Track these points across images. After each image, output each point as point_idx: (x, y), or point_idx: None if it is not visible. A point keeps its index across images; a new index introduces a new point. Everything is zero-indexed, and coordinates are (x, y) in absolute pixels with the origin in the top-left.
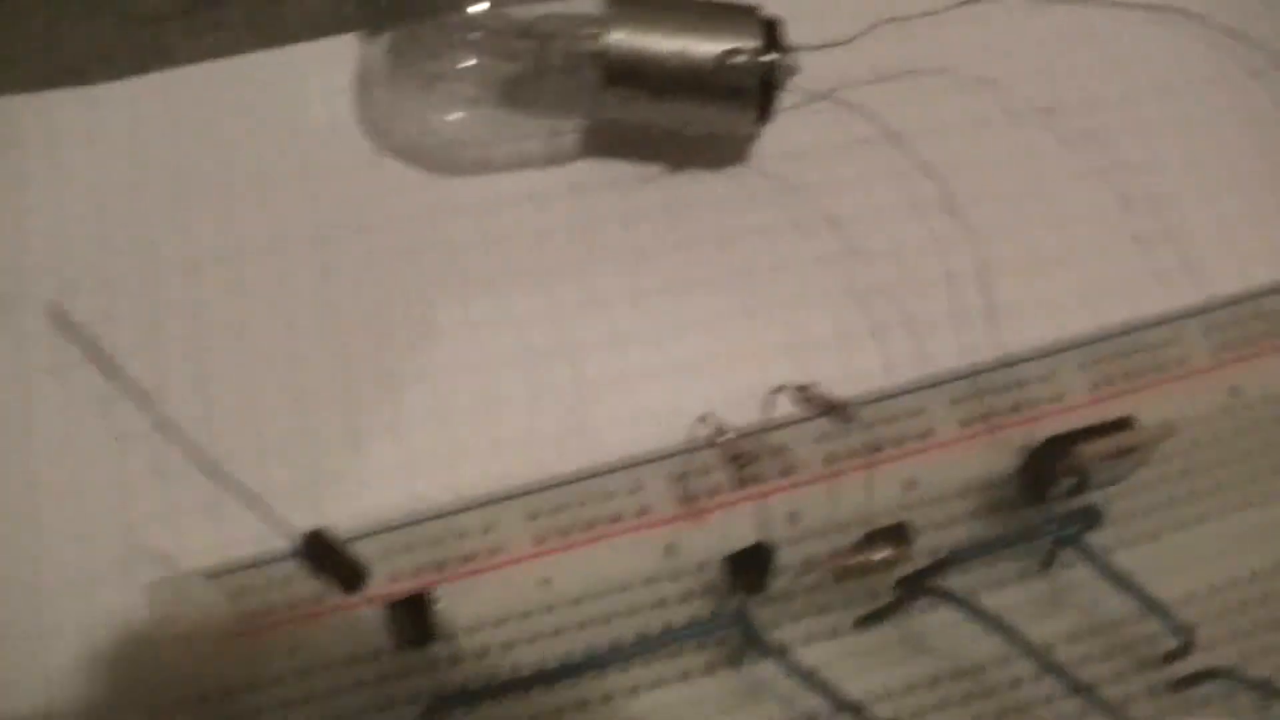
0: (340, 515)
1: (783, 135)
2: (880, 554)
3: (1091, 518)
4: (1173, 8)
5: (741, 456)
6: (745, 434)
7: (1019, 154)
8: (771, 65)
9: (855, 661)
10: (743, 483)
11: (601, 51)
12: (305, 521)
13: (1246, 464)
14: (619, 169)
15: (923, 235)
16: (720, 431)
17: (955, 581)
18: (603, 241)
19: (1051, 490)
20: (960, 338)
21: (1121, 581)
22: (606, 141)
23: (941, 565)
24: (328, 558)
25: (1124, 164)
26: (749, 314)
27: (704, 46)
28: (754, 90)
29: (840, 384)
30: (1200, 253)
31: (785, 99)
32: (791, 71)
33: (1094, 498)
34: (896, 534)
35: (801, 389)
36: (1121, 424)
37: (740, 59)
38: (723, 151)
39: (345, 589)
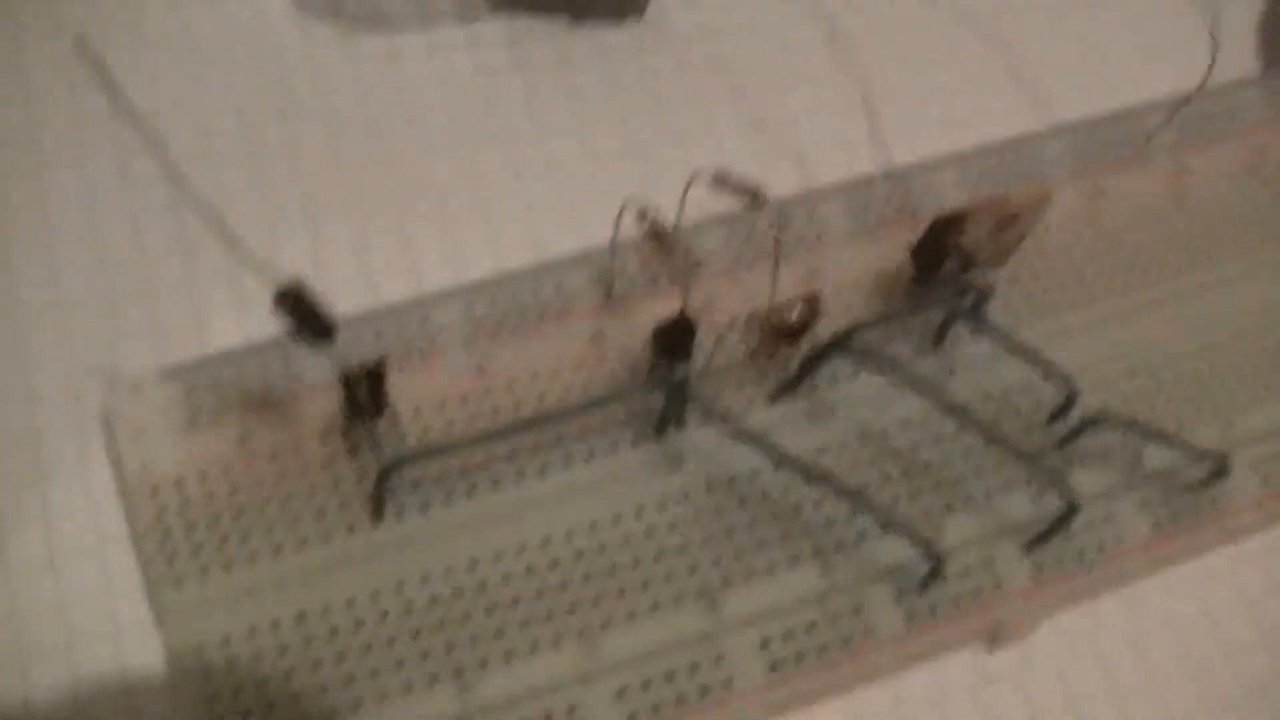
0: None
1: None
2: (795, 310)
3: (980, 292)
4: None
5: (661, 238)
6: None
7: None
8: None
9: (772, 433)
10: (661, 269)
11: None
12: None
13: (1105, 260)
14: (526, 24)
15: (813, 71)
16: (643, 213)
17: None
18: (511, 86)
19: (943, 269)
20: (850, 156)
21: (1012, 344)
22: None
23: (847, 334)
24: (303, 307)
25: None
26: (650, 146)
27: None
28: None
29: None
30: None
31: None
32: None
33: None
34: (809, 301)
35: (720, 171)
36: (1000, 201)
37: None
38: (621, 4)
39: (317, 340)
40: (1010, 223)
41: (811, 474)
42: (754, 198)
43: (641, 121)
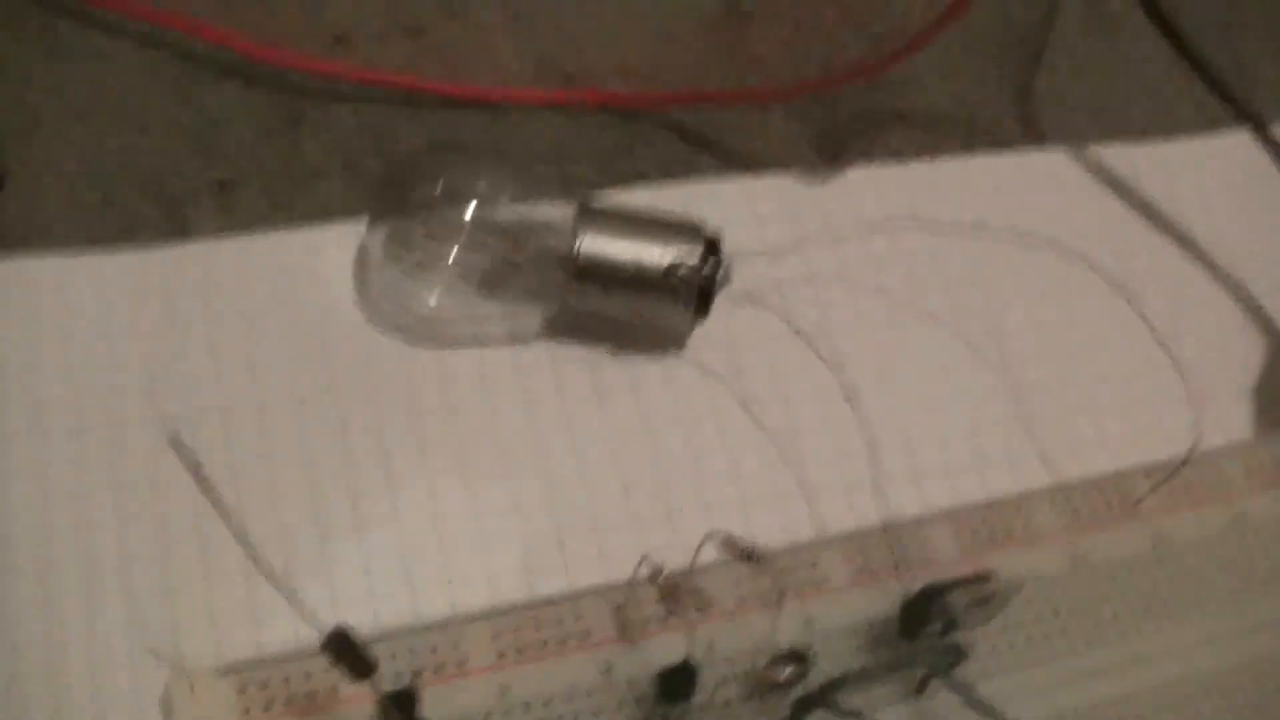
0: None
1: (715, 329)
2: (784, 671)
3: (958, 654)
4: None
5: (672, 591)
6: (675, 575)
7: (914, 352)
8: (709, 274)
9: None
10: (671, 614)
11: (571, 253)
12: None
13: (1085, 615)
14: (571, 351)
15: (823, 418)
16: (658, 570)
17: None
18: (549, 409)
19: (925, 630)
20: (853, 501)
21: (984, 707)
22: (563, 328)
23: (831, 687)
24: (347, 650)
25: (1002, 364)
26: (673, 480)
27: (654, 255)
28: (692, 295)
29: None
30: (1052, 441)
31: (721, 300)
32: (727, 279)
33: (961, 638)
34: (797, 657)
35: (728, 537)
36: (982, 577)
37: (682, 271)
38: (663, 341)
39: (357, 678)
40: (988, 598)
41: None
42: (754, 557)
43: (670, 454)
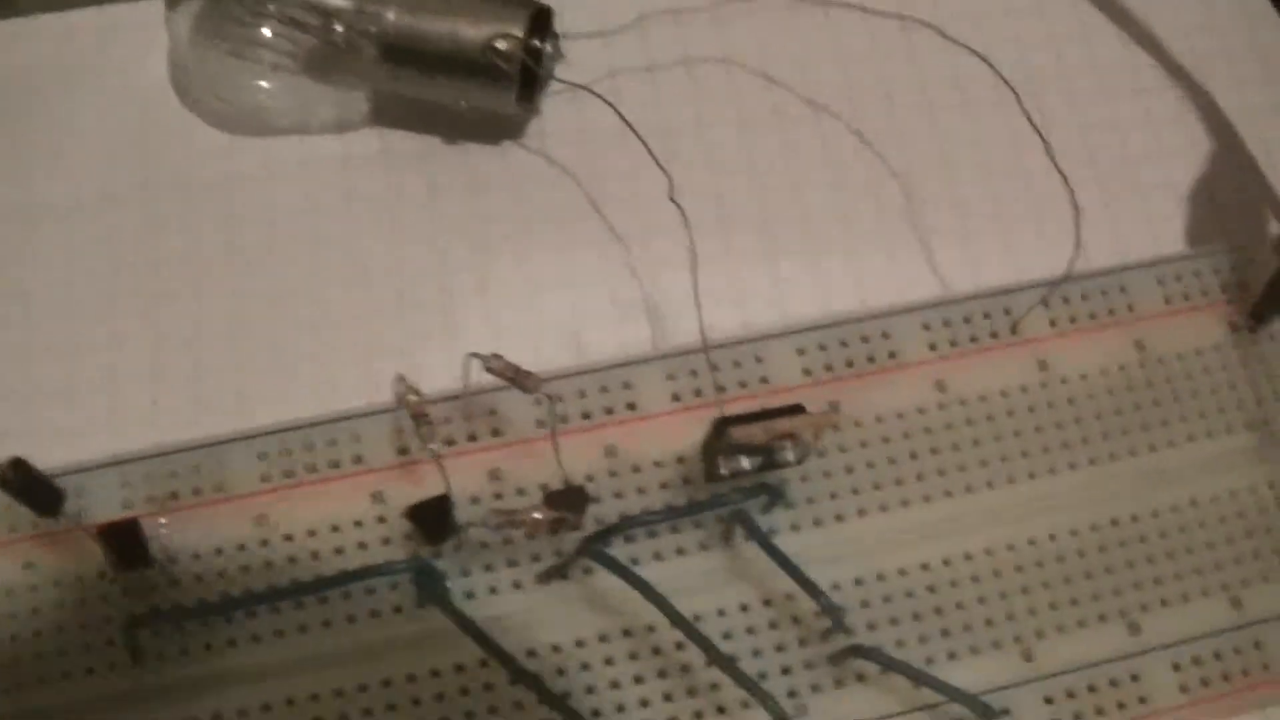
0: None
1: (554, 118)
2: (547, 514)
3: (770, 495)
4: (915, 18)
5: (421, 416)
6: (455, 396)
7: (765, 150)
8: (534, 52)
9: (541, 613)
10: (439, 441)
11: (377, 31)
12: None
13: (937, 459)
14: (399, 140)
15: (660, 221)
16: (412, 391)
17: (645, 546)
18: (370, 205)
19: (725, 467)
20: (685, 320)
21: (781, 559)
22: (392, 113)
23: (609, 531)
24: (28, 483)
25: (871, 162)
26: (488, 287)
27: (471, 30)
28: (515, 75)
29: (563, 357)
30: (934, 255)
31: (557, 84)
32: (555, 60)
33: (780, 478)
34: (571, 497)
35: (492, 357)
36: (793, 410)
37: (504, 45)
38: (496, 129)
39: (42, 512)
40: (786, 436)
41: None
42: (523, 381)
43: (500, 259)
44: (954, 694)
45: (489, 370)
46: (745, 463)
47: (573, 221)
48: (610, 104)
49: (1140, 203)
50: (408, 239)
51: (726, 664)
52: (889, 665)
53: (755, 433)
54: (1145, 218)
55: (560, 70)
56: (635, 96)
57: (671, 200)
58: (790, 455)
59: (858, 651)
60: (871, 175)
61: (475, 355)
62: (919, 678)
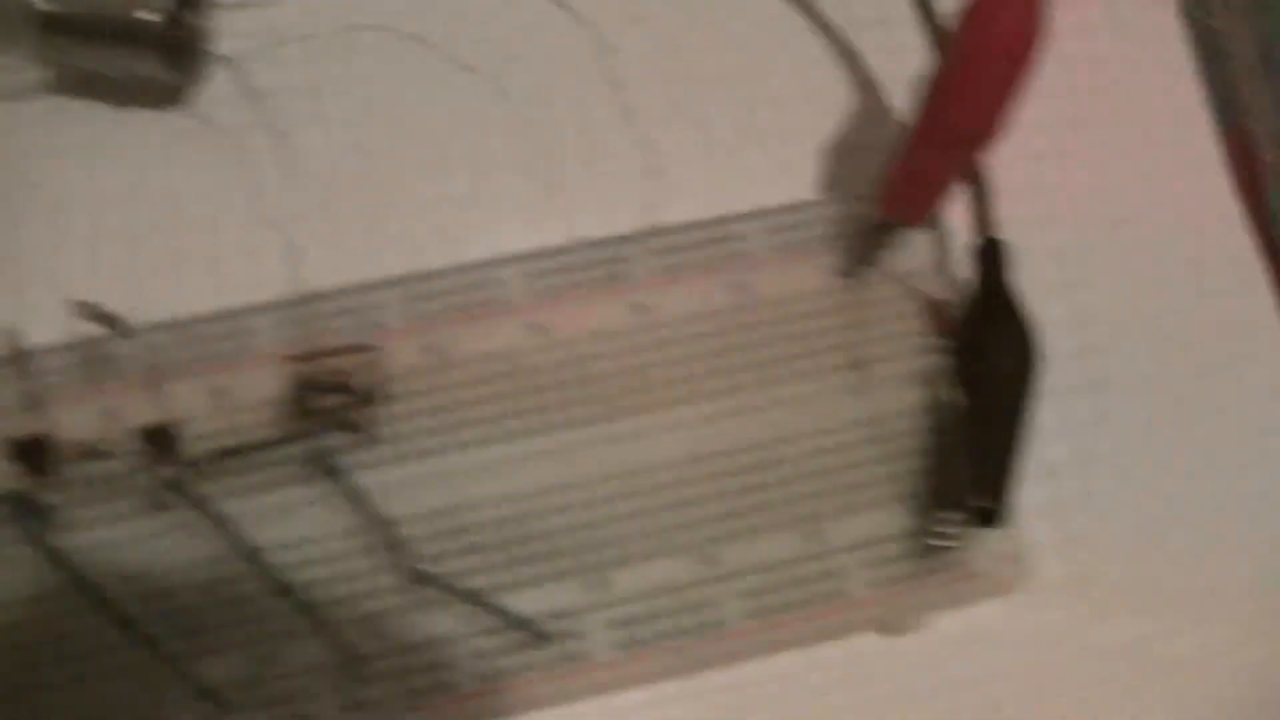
0: None
1: (216, 85)
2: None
3: (358, 432)
4: None
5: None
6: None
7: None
8: (182, 20)
9: (150, 542)
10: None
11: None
12: None
13: (531, 399)
14: (65, 106)
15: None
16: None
17: (242, 481)
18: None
19: (309, 406)
20: (304, 269)
21: (352, 494)
22: (67, 83)
23: (194, 464)
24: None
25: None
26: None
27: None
28: (164, 44)
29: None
30: (546, 203)
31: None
32: (203, 29)
33: (371, 415)
34: (163, 435)
35: (82, 304)
36: (357, 348)
37: (150, 15)
38: (158, 97)
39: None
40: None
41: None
42: (106, 321)
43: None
44: (510, 619)
45: (84, 317)
46: (326, 401)
47: (222, 189)
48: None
49: (765, 151)
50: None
51: (291, 593)
52: (450, 590)
53: (312, 370)
54: (776, 165)
55: (226, 36)
56: (295, 62)
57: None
58: (358, 393)
59: (421, 578)
60: (508, 135)
61: (77, 301)
62: (477, 602)
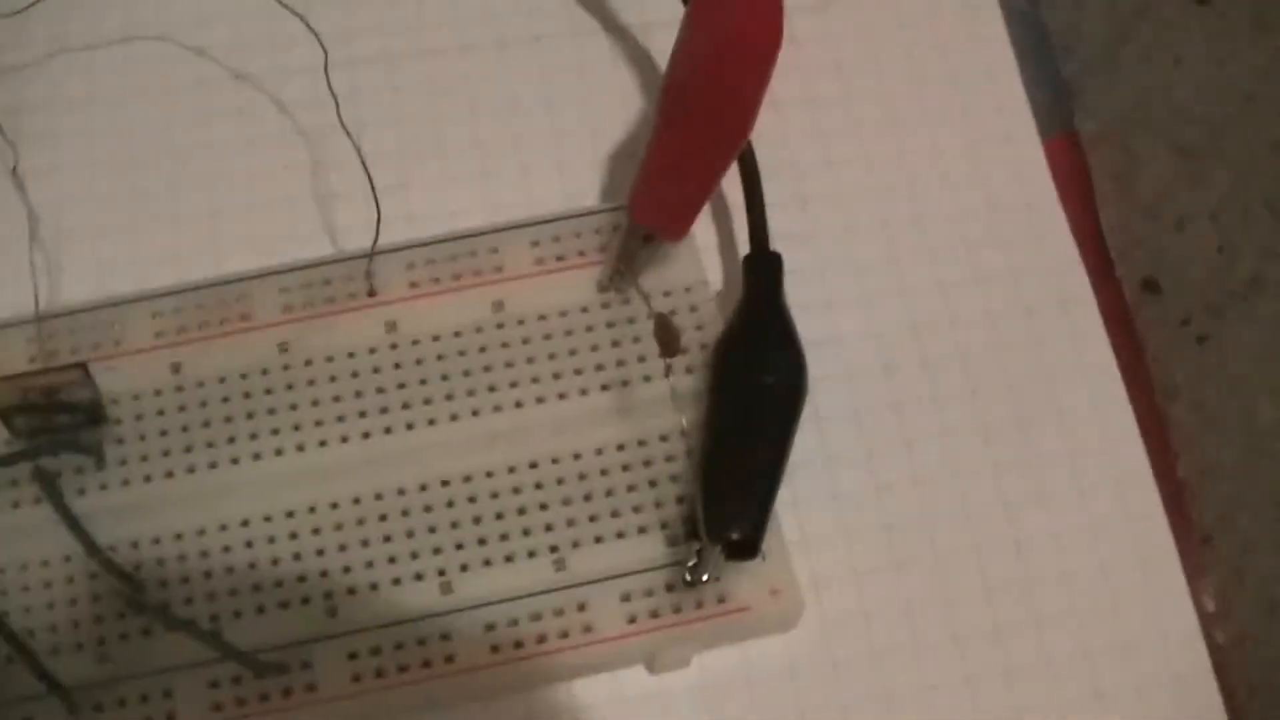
0: None
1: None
2: None
3: (83, 454)
4: None
5: None
6: None
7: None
8: None
9: None
10: None
11: None
12: None
13: (274, 419)
14: None
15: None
16: None
17: None
18: None
19: (24, 426)
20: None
21: (70, 519)
22: None
23: None
24: None
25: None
26: None
27: None
28: None
29: None
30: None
31: None
32: None
33: (97, 437)
34: None
35: None
36: (74, 367)
37: None
38: None
39: None
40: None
41: None
42: None
43: None
44: (229, 652)
45: None
46: (42, 422)
47: None
48: None
49: (525, 160)
50: None
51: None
52: (168, 620)
53: (22, 390)
54: (538, 175)
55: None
56: (72, 73)
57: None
58: (74, 413)
59: (139, 606)
60: (274, 147)
61: None
62: (199, 635)
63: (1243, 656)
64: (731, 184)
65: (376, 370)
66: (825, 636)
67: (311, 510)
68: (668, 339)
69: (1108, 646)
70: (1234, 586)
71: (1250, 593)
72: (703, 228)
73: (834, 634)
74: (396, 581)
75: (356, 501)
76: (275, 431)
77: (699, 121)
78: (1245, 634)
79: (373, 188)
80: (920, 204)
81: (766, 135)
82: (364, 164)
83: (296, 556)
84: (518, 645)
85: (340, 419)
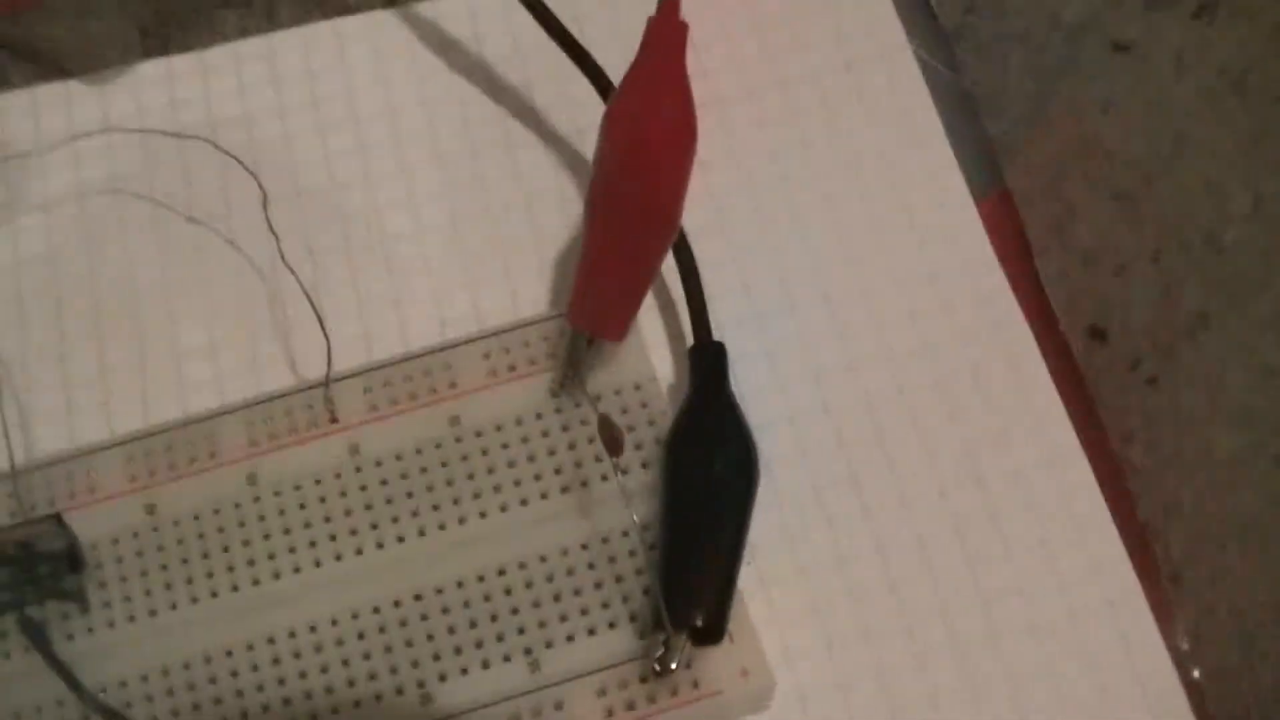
0: None
1: None
2: None
3: (64, 598)
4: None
5: None
6: None
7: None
8: None
9: None
10: None
11: None
12: None
13: (246, 550)
14: None
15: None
16: None
17: None
18: None
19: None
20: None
21: (56, 664)
22: None
23: None
24: None
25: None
26: None
27: None
28: None
29: None
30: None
31: None
32: None
33: (79, 580)
34: None
35: None
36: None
37: None
38: None
39: None
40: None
41: None
42: None
43: None
44: None
45: None
46: (19, 573)
47: None
48: None
49: (477, 272)
50: None
51: None
52: None
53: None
54: (489, 286)
55: None
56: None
57: None
58: (50, 562)
59: None
60: (230, 284)
61: None
62: None
63: (1221, 690)
64: (669, 276)
65: (343, 494)
66: (803, 709)
67: (291, 635)
68: (612, 439)
69: (1084, 695)
70: (1206, 622)
71: (1224, 626)
72: (650, 321)
73: (811, 706)
74: (378, 697)
75: (334, 622)
76: (250, 562)
77: (626, 219)
78: (1222, 668)
79: (320, 319)
80: (862, 277)
81: (703, 224)
82: (308, 296)
83: (280, 681)
84: None
85: (312, 544)
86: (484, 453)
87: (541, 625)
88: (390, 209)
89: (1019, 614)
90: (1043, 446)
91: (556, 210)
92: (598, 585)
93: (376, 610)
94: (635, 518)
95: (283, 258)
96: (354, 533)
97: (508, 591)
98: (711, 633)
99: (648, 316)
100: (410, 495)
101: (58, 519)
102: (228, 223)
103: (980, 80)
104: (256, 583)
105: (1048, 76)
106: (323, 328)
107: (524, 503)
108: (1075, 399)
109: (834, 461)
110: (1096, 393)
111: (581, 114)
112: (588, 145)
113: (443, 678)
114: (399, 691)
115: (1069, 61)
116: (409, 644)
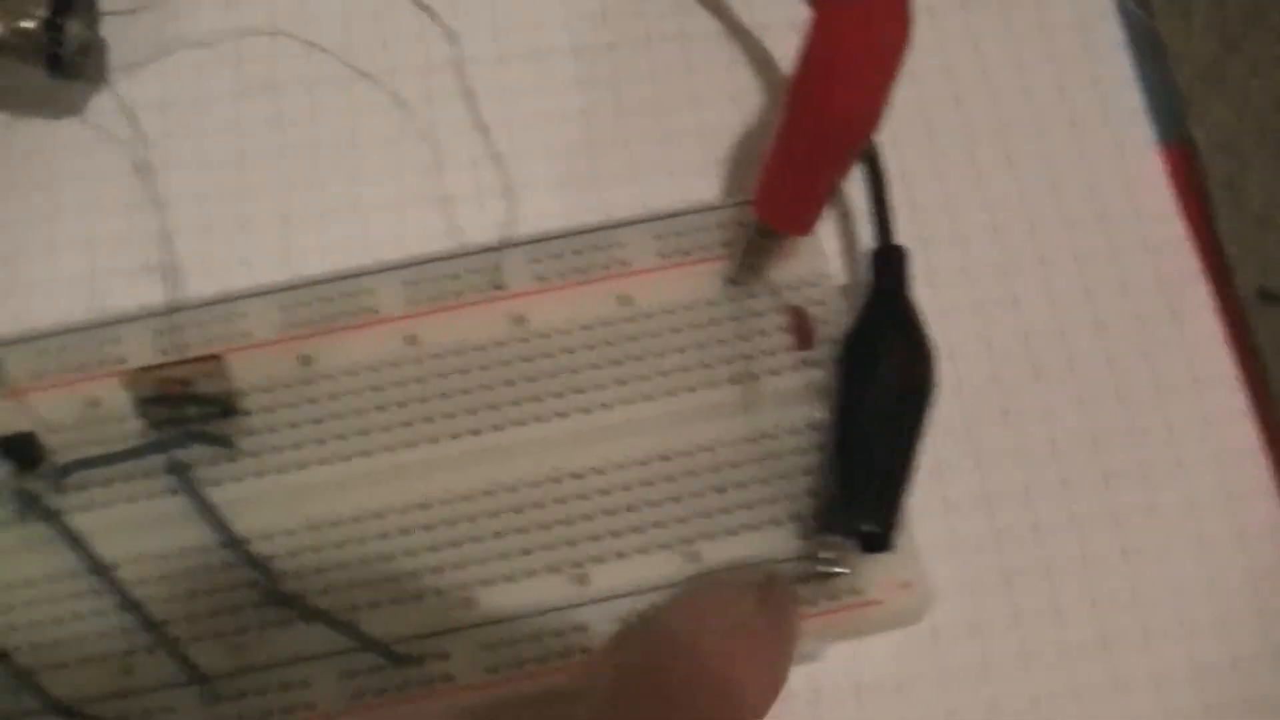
0: None
1: (124, 90)
2: None
3: (216, 444)
4: None
5: None
6: None
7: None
8: (64, 29)
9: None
10: None
11: None
12: None
13: (404, 412)
14: None
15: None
16: None
17: (105, 492)
18: None
19: (160, 418)
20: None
21: (206, 509)
22: None
23: (51, 476)
24: None
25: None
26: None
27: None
28: (46, 53)
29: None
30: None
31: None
32: (87, 38)
33: (231, 428)
34: (20, 445)
35: None
36: (209, 359)
37: (31, 24)
38: (42, 106)
39: None
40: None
41: None
42: None
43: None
44: (366, 642)
45: None
46: (176, 413)
47: (101, 199)
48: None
49: (651, 154)
50: None
51: (136, 610)
52: (304, 610)
53: (156, 382)
54: (664, 169)
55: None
56: (183, 70)
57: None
58: (209, 404)
59: (275, 597)
60: (401, 137)
61: None
62: (331, 622)
63: None
64: (849, 182)
65: (505, 363)
66: (935, 644)
67: (445, 502)
68: (804, 330)
69: (1217, 662)
70: None
71: None
72: (823, 224)
73: (944, 642)
74: (531, 573)
75: (489, 494)
76: (407, 424)
77: (825, 122)
78: None
79: (501, 179)
80: (1031, 212)
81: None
82: (494, 158)
83: (431, 548)
84: None
85: (471, 412)
86: (654, 335)
87: (702, 516)
88: (560, 87)
89: (1160, 572)
90: (1207, 404)
91: (729, 104)
92: (763, 481)
93: (534, 485)
94: (815, 414)
95: (478, 117)
96: (516, 404)
97: (669, 480)
98: (881, 540)
99: (821, 218)
100: (575, 372)
101: (219, 359)
102: (395, 79)
103: (1166, 26)
104: (412, 446)
105: (1232, 31)
106: (504, 187)
107: (691, 390)
108: (1244, 360)
109: (988, 397)
110: (1266, 355)
111: (759, 8)
112: (770, 41)
113: (598, 560)
114: (553, 569)
115: (1255, 16)
116: (565, 523)
